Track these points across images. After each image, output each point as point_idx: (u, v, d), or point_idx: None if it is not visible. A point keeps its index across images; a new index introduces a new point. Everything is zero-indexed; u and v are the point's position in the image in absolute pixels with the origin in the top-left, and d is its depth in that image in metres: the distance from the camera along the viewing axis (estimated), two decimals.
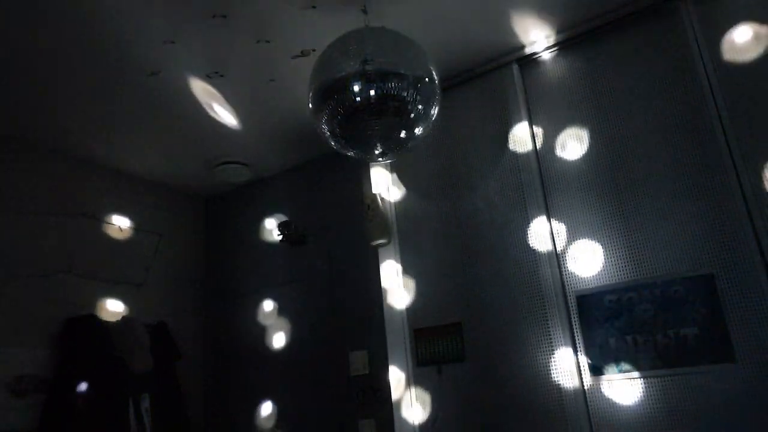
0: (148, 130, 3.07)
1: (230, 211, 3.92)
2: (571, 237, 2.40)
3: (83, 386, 2.77)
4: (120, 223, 3.37)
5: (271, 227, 3.60)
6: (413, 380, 2.65)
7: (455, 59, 2.71)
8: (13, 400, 2.65)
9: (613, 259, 2.28)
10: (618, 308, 2.21)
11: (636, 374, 2.13)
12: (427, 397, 2.59)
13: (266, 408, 3.30)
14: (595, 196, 2.38)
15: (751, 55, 2.16)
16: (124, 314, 3.20)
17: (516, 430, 2.33)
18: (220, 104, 2.87)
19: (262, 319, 3.49)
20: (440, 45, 2.56)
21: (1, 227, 2.81)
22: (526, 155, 2.57)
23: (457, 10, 2.34)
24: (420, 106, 1.97)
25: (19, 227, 2.88)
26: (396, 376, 2.69)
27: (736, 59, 2.19)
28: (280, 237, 3.43)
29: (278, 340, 3.37)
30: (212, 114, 2.95)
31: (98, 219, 3.27)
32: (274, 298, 3.46)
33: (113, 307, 3.19)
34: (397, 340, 2.73)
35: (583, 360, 2.25)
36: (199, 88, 2.70)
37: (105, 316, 3.08)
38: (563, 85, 2.58)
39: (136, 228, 3.49)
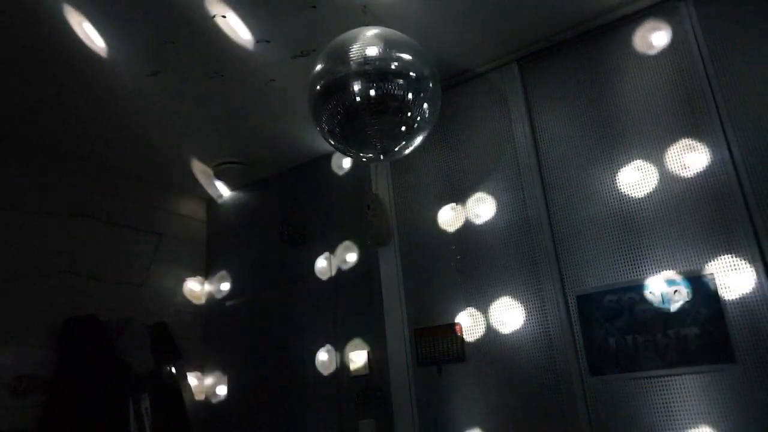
0: (148, 130, 3.07)
1: (230, 211, 3.92)
2: (572, 237, 2.40)
3: (83, 386, 2.77)
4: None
5: (271, 227, 3.59)
6: (413, 380, 2.65)
7: (455, 59, 2.71)
8: (13, 400, 2.65)
9: (613, 259, 2.28)
10: (618, 308, 2.21)
11: (636, 374, 2.13)
12: (427, 398, 2.59)
13: (265, 408, 3.30)
14: (595, 195, 2.38)
15: (751, 53, 2.16)
16: (124, 314, 3.20)
17: (516, 430, 2.33)
18: (219, 104, 2.87)
19: (261, 319, 3.49)
20: (440, 45, 2.56)
21: (1, 227, 2.81)
22: (527, 155, 2.57)
23: (457, 10, 2.34)
24: (420, 106, 1.97)
25: (19, 227, 2.88)
26: (396, 376, 2.69)
27: (735, 57, 2.19)
28: (280, 237, 3.42)
29: (278, 340, 3.36)
30: (212, 113, 2.95)
31: (98, 219, 3.27)
32: (274, 298, 3.46)
33: (113, 307, 3.18)
34: (397, 340, 2.73)
35: (583, 360, 2.25)
36: (200, 87, 2.70)
37: (105, 317, 3.08)
38: (564, 85, 2.58)
39: (136, 228, 3.49)
